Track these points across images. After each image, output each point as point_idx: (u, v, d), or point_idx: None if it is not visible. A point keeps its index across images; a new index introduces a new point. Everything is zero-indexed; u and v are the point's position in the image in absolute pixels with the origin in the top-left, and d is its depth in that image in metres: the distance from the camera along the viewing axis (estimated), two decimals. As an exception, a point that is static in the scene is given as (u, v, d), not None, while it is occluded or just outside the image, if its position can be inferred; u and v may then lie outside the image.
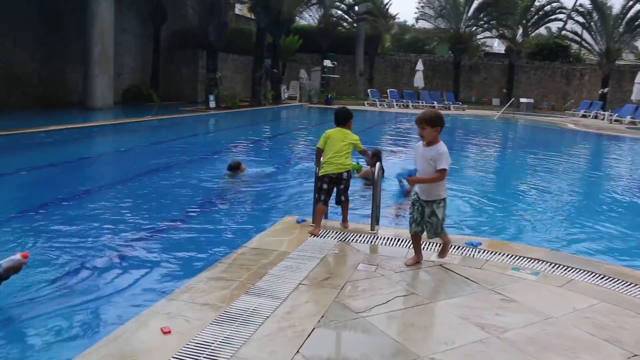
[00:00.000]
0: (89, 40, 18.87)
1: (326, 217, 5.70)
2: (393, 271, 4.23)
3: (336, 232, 5.24)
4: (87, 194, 7.90)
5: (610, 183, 11.04)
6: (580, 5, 32.20)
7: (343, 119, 5.33)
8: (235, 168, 8.79)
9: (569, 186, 10.48)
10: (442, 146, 4.22)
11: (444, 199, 4.29)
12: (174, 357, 2.83)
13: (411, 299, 3.73)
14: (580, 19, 31.95)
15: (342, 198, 5.36)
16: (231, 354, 2.88)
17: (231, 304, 3.49)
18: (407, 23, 47.75)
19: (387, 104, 30.33)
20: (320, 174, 5.25)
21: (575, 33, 32.77)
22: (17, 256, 3.55)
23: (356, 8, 34.62)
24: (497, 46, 44.59)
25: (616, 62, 32.06)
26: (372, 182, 7.59)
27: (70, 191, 7.86)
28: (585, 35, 31.98)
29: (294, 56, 31.39)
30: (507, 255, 4.70)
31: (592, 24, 31.28)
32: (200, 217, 6.84)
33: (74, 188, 8.15)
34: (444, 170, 4.14)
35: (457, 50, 33.67)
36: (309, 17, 34.49)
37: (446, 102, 31.06)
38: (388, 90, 32.06)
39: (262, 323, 3.25)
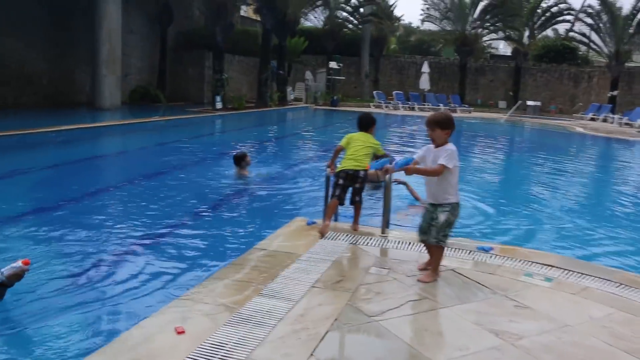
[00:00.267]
0: (97, 41, 19.00)
1: (336, 220, 5.70)
2: (405, 275, 4.21)
3: (347, 235, 5.23)
4: (96, 194, 7.94)
5: (622, 188, 10.93)
6: (589, 6, 31.85)
7: (366, 124, 5.46)
8: (240, 159, 8.73)
9: (580, 191, 10.42)
10: (450, 146, 4.14)
11: (451, 204, 4.14)
12: (188, 358, 2.83)
13: (424, 303, 3.72)
14: (589, 20, 31.51)
15: (357, 198, 5.39)
16: (245, 356, 2.88)
17: (244, 306, 3.49)
18: (413, 25, 47.70)
19: (392, 106, 30.31)
20: (337, 170, 5.35)
21: (584, 34, 32.42)
22: (18, 263, 3.55)
23: (361, 10, 34.57)
24: (503, 48, 44.49)
25: (626, 64, 31.60)
26: (377, 185, 7.68)
27: (80, 191, 7.90)
28: (594, 36, 31.64)
29: (300, 58, 31.44)
30: (519, 261, 4.66)
31: (601, 25, 30.85)
32: (209, 218, 6.84)
33: (84, 187, 8.19)
34: (442, 166, 4.04)
35: (463, 53, 33.49)
36: (314, 19, 34.45)
37: (452, 105, 30.98)
38: (394, 92, 32.03)
39: (276, 325, 3.25)
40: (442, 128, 4.11)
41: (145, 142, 14.18)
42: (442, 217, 4.11)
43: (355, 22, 35.22)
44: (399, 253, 4.82)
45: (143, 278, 4.57)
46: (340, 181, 5.28)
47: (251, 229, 6.29)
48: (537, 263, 4.63)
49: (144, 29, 24.32)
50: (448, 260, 4.53)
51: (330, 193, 5.40)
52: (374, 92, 32.27)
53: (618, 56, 30.15)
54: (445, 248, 4.27)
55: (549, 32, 37.15)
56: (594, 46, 32.28)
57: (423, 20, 37.31)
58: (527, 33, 34.17)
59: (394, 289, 3.93)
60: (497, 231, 6.48)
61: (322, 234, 5.14)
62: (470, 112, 30.04)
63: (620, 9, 31.06)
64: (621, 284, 4.22)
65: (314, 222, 5.48)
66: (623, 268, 5.04)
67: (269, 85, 25.82)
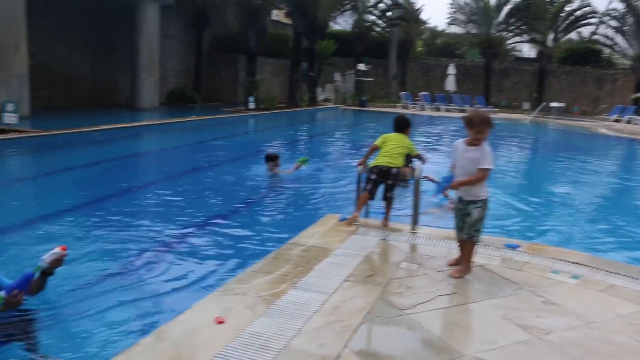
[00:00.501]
0: (137, 46, 19.76)
1: (367, 216, 5.84)
2: (435, 270, 4.32)
3: (378, 231, 5.37)
4: (136, 190, 8.21)
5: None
6: (614, 9, 31.26)
7: (402, 125, 5.66)
8: (272, 159, 8.98)
9: (605, 191, 10.29)
10: (487, 146, 4.14)
11: (482, 200, 4.20)
12: (227, 346, 2.95)
13: (454, 298, 3.82)
14: (613, 23, 30.98)
15: (388, 194, 5.54)
16: (283, 345, 3.01)
17: (280, 298, 3.63)
18: (438, 28, 47.58)
19: (419, 107, 30.33)
20: (370, 165, 5.54)
21: (608, 37, 31.85)
22: (57, 249, 3.57)
23: (389, 14, 34.78)
24: (528, 51, 43.86)
25: (651, 66, 30.92)
26: (405, 184, 7.78)
27: (121, 187, 8.19)
28: (618, 39, 31.04)
29: (329, 60, 31.72)
30: (547, 258, 4.71)
31: (625, 27, 30.28)
32: (245, 214, 7.03)
33: (125, 184, 8.50)
34: (487, 169, 4.07)
35: (488, 55, 33.43)
36: (343, 23, 34.92)
37: (477, 106, 30.86)
38: (420, 94, 32.03)
39: (311, 317, 3.37)
40: (491, 126, 4.12)
41: (183, 141, 14.56)
42: (474, 213, 4.19)
43: (383, 25, 35.41)
44: (429, 249, 4.93)
45: (182, 271, 4.73)
46: (373, 176, 5.46)
47: (285, 225, 6.45)
48: (564, 261, 4.67)
49: (181, 34, 24.96)
50: (476, 256, 4.61)
51: (362, 187, 5.56)
52: (401, 93, 32.35)
53: (643, 58, 29.43)
54: (477, 244, 4.34)
55: (572, 35, 36.61)
56: (618, 48, 31.64)
57: (449, 24, 37.42)
58: (551, 36, 33.80)
59: (424, 283, 4.05)
60: (524, 229, 6.50)
61: (349, 224, 5.33)
62: (495, 113, 29.74)
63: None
64: (649, 283, 4.24)
65: (345, 219, 5.63)
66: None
67: (299, 87, 26.26)
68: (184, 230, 5.96)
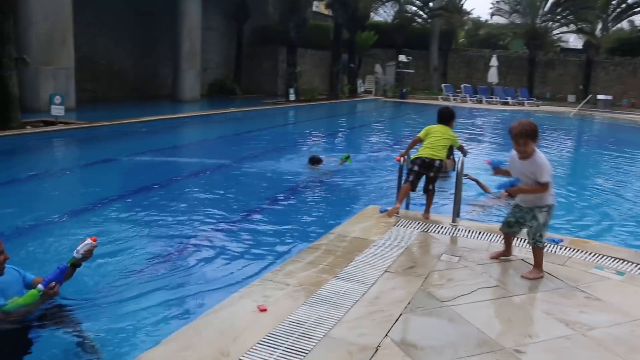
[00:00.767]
0: (179, 38, 20.17)
1: (408, 208, 5.85)
2: (475, 263, 4.31)
3: (418, 223, 5.38)
4: (179, 181, 8.41)
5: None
6: None
7: (446, 118, 5.62)
8: (316, 162, 9.11)
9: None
10: (540, 157, 3.94)
11: (549, 205, 4.07)
12: (270, 333, 3.03)
13: (495, 291, 3.81)
14: None
15: (430, 187, 5.54)
16: (323, 334, 3.06)
17: (321, 287, 3.69)
18: (482, 19, 46.70)
19: (460, 99, 29.90)
20: (413, 157, 5.54)
21: None
22: (89, 240, 3.56)
23: (431, 4, 34.36)
24: (574, 41, 42.48)
25: None
26: (445, 176, 7.74)
27: (164, 177, 8.38)
28: None
29: (370, 51, 31.66)
30: (590, 254, 4.63)
31: None
32: (286, 204, 7.11)
33: (168, 174, 8.70)
34: (546, 183, 3.92)
35: (532, 46, 32.56)
36: (384, 14, 34.72)
37: (520, 98, 30.24)
38: (462, 86, 31.54)
39: (352, 306, 3.41)
40: (532, 139, 3.92)
41: (224, 132, 14.81)
42: (540, 218, 4.05)
43: (425, 16, 35.02)
44: (469, 242, 4.91)
45: (226, 259, 4.84)
46: (415, 168, 5.46)
47: (326, 215, 6.52)
48: (608, 256, 4.58)
49: (222, 26, 25.32)
50: (518, 250, 4.59)
51: (403, 179, 5.57)
52: (443, 85, 31.97)
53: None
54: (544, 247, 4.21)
55: (623, 24, 35.22)
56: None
57: (492, 14, 36.72)
58: (599, 25, 32.57)
59: (465, 276, 4.05)
60: (566, 223, 6.36)
61: (390, 215, 5.36)
62: (538, 106, 29.18)
63: None
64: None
65: (386, 210, 5.66)
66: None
67: (340, 78, 26.26)
68: (227, 221, 6.06)
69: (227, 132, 14.96)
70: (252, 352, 2.84)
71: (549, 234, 5.13)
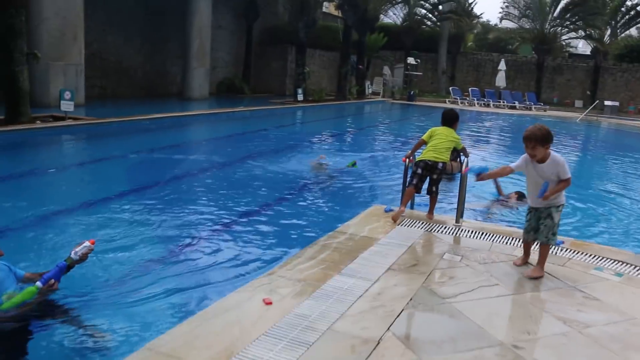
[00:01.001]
0: (188, 36, 20.29)
1: (412, 208, 5.94)
2: (477, 262, 4.40)
3: (422, 222, 5.47)
4: (186, 177, 8.47)
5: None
6: None
7: (450, 120, 5.70)
8: (319, 167, 9.21)
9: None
10: (557, 156, 4.03)
11: (563, 204, 4.20)
12: (275, 326, 3.11)
13: (495, 289, 3.89)
14: None
15: (433, 189, 5.62)
16: (327, 327, 3.15)
17: (326, 283, 3.78)
18: (490, 23, 46.67)
19: (468, 102, 29.95)
20: (417, 159, 5.62)
21: None
22: (87, 243, 3.57)
23: (440, 7, 34.34)
24: (582, 47, 42.38)
25: None
26: (450, 177, 7.82)
27: (171, 174, 8.45)
28: None
29: (378, 53, 31.78)
30: (589, 255, 4.71)
31: None
32: (293, 202, 7.19)
33: (175, 171, 8.77)
34: (569, 178, 4.02)
35: (541, 51, 32.63)
36: (393, 16, 34.87)
37: (527, 103, 30.28)
38: (470, 89, 31.61)
39: (355, 301, 3.50)
40: (543, 144, 3.97)
41: (231, 131, 14.91)
42: (556, 216, 4.17)
43: (434, 19, 35.03)
44: (472, 242, 4.99)
45: (232, 255, 4.90)
46: (419, 170, 5.54)
47: (332, 214, 6.60)
48: (607, 258, 4.66)
49: (231, 25, 25.46)
50: (520, 250, 4.67)
51: (407, 181, 5.66)
52: (450, 88, 32.04)
53: None
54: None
55: (632, 31, 35.15)
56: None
57: (501, 18, 36.72)
58: (608, 32, 32.52)
59: (467, 274, 4.13)
60: (568, 225, 6.43)
61: (395, 219, 5.41)
62: (545, 111, 29.23)
63: None
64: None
65: (391, 210, 5.76)
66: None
67: (348, 79, 26.34)
68: (234, 217, 6.13)
69: (235, 131, 15.03)
70: (258, 342, 2.92)
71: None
